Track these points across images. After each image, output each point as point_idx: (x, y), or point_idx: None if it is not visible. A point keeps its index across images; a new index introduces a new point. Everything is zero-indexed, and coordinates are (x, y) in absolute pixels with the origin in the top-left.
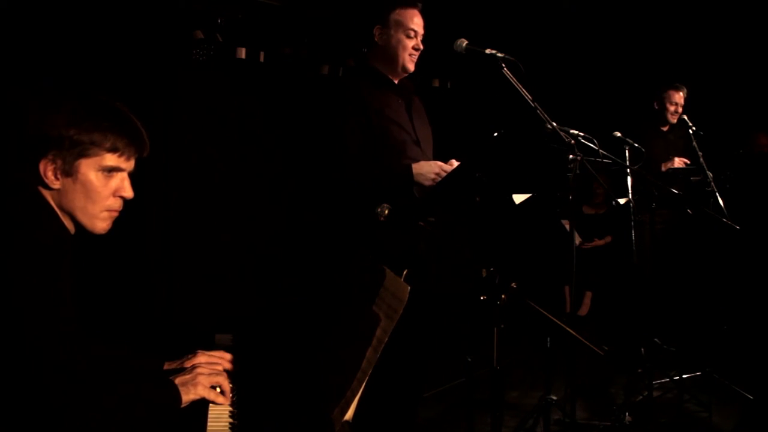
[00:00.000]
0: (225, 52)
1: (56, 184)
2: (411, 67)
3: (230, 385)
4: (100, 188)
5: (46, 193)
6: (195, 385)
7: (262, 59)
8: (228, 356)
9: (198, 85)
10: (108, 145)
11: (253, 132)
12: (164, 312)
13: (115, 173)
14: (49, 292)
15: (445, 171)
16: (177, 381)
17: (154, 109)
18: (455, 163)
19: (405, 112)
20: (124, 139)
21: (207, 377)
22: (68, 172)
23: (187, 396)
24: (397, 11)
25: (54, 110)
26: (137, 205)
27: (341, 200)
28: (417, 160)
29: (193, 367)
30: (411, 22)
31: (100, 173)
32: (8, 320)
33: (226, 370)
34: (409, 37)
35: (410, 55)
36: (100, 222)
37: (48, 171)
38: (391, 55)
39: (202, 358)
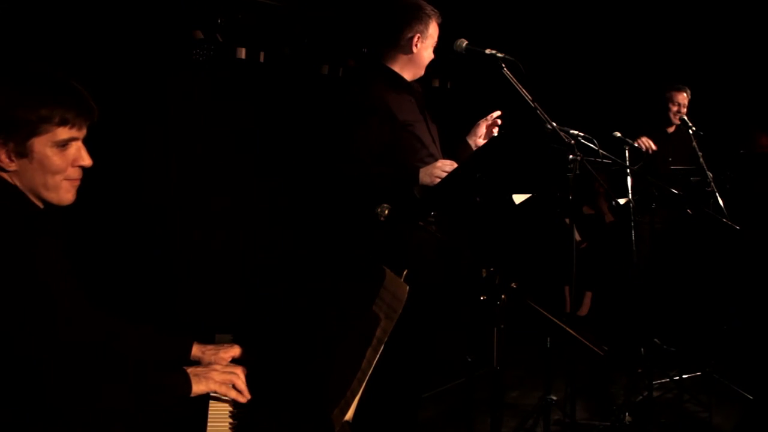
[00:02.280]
0: (225, 52)
1: (12, 166)
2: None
3: (244, 386)
4: (58, 162)
5: (5, 175)
6: (207, 379)
7: (262, 59)
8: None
9: (198, 85)
10: (57, 119)
11: (253, 132)
12: (164, 312)
13: (70, 144)
14: (26, 274)
15: (443, 170)
16: (190, 371)
17: (153, 109)
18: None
19: (420, 114)
20: (73, 110)
21: (220, 374)
22: (22, 153)
23: (198, 386)
24: (434, 24)
25: None
26: (137, 205)
27: (342, 200)
28: (437, 158)
29: (209, 364)
30: (436, 36)
31: (55, 148)
32: None
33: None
34: (433, 48)
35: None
36: (64, 193)
37: (1, 155)
38: (420, 63)
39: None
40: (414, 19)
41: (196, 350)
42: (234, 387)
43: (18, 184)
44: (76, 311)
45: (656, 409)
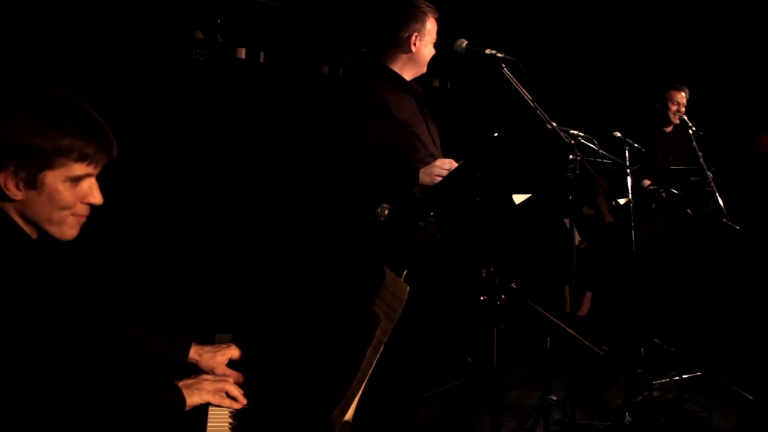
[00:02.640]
0: (225, 52)
1: (18, 196)
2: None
3: (238, 391)
4: (68, 198)
5: (7, 204)
6: (200, 390)
7: (262, 59)
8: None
9: (198, 85)
10: (75, 154)
11: (253, 132)
12: (164, 312)
13: (83, 179)
14: (8, 301)
15: (443, 169)
16: (181, 384)
17: (153, 109)
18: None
19: (419, 113)
20: (93, 146)
21: (211, 383)
22: (32, 184)
23: (192, 399)
24: (431, 20)
25: (13, 116)
26: (137, 205)
27: (343, 200)
28: (437, 158)
29: (200, 374)
30: (435, 32)
31: (67, 183)
32: None
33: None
34: (433, 45)
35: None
36: (68, 229)
37: (9, 183)
38: (420, 62)
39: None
40: (410, 18)
41: (194, 352)
42: (228, 395)
43: (20, 213)
44: (67, 334)
45: (656, 409)
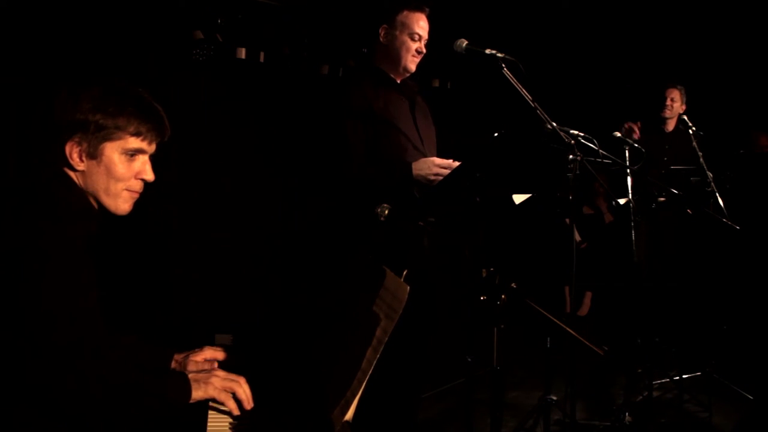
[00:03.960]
0: (225, 52)
1: (81, 166)
2: (412, 68)
3: (246, 395)
4: (123, 170)
5: (71, 174)
6: (207, 384)
7: (262, 59)
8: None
9: (198, 85)
10: (132, 129)
11: (253, 132)
12: (164, 312)
13: (137, 156)
14: (73, 275)
15: (442, 168)
16: (190, 376)
17: None
18: (451, 160)
19: (408, 112)
20: (147, 124)
21: (221, 381)
22: (93, 154)
23: (197, 392)
24: (404, 13)
25: (81, 95)
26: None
27: (341, 200)
28: (424, 156)
29: (211, 369)
30: (416, 26)
31: (123, 156)
32: (26, 295)
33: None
34: (413, 39)
35: (413, 56)
36: (122, 202)
37: (74, 153)
38: (393, 56)
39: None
40: (380, 13)
41: (175, 363)
42: (235, 396)
43: (82, 184)
44: (94, 319)
45: (656, 409)
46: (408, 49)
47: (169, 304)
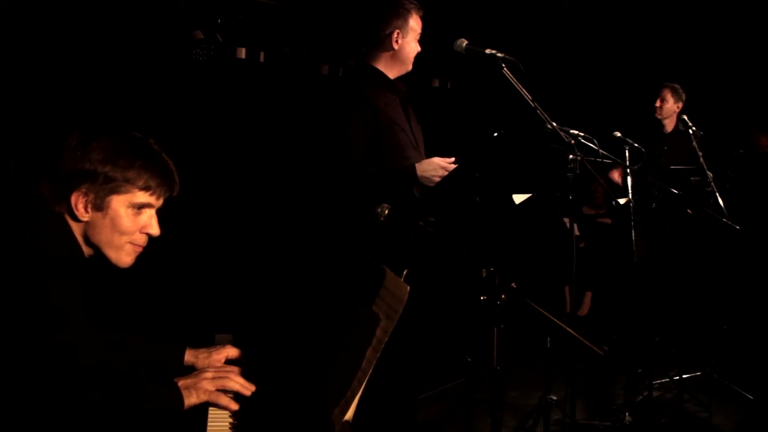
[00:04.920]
0: (225, 52)
1: (85, 217)
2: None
3: (240, 385)
4: (129, 223)
5: (73, 224)
6: (197, 389)
7: (262, 59)
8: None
9: (198, 85)
10: (141, 183)
11: (253, 132)
12: (164, 311)
13: (144, 209)
14: (50, 304)
15: (447, 170)
16: (180, 384)
17: (153, 109)
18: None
19: (402, 112)
20: (157, 179)
21: (211, 381)
22: (99, 206)
23: (189, 399)
24: (414, 17)
25: (92, 144)
26: None
27: (341, 200)
28: (415, 161)
29: (200, 371)
30: (419, 28)
31: (130, 209)
32: (7, 325)
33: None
34: (418, 42)
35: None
36: (124, 255)
37: (79, 203)
38: (403, 60)
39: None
40: (391, 16)
41: (189, 356)
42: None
43: (83, 235)
44: (72, 344)
45: (656, 409)
46: (415, 53)
47: (170, 304)
